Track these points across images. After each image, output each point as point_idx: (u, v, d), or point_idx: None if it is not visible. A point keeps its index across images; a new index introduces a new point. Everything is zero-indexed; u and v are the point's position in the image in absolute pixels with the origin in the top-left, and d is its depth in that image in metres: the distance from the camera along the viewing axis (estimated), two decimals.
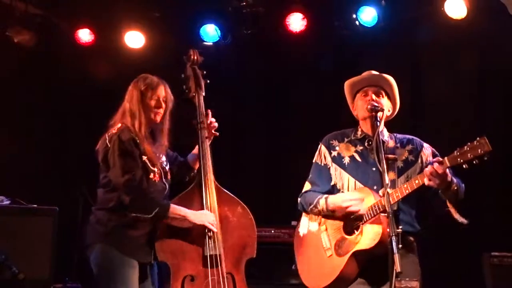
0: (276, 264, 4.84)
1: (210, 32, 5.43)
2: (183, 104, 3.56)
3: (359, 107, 3.31)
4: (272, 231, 4.92)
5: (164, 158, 3.46)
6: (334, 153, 3.30)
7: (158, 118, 3.39)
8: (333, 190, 3.28)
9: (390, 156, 3.10)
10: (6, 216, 4.65)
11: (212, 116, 3.54)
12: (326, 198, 3.21)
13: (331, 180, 3.28)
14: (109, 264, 3.22)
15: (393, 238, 2.70)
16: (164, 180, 3.39)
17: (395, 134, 3.33)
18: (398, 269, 2.63)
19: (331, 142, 3.34)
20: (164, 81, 3.46)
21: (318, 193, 3.27)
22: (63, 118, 5.88)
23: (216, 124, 3.51)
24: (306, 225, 3.33)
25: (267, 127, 5.81)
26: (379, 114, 3.11)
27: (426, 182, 2.94)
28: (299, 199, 3.37)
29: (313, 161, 3.38)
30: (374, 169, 3.16)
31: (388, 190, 2.89)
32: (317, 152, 3.38)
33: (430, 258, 3.43)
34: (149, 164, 3.29)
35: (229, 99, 5.69)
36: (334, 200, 3.17)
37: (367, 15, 5.13)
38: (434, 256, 4.65)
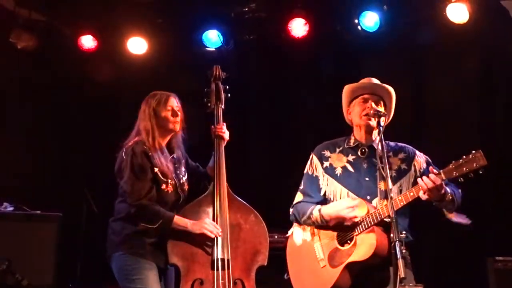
0: (278, 269, 4.83)
1: (212, 38, 5.44)
2: (207, 117, 3.70)
3: (355, 113, 3.30)
4: (276, 237, 4.91)
5: (183, 169, 3.57)
6: (326, 164, 3.30)
7: (178, 127, 3.53)
8: (325, 200, 3.29)
9: (382, 165, 3.06)
10: (10, 222, 4.67)
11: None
12: (319, 210, 3.20)
13: (322, 191, 3.29)
14: (127, 269, 3.33)
15: (397, 243, 2.70)
16: (179, 190, 3.48)
17: (387, 142, 3.30)
18: (402, 275, 2.64)
19: (323, 152, 3.35)
20: (173, 93, 3.59)
21: (311, 204, 3.27)
22: (67, 124, 5.90)
23: (222, 132, 3.61)
24: (299, 235, 3.34)
25: (270, 132, 5.82)
26: (382, 119, 3.11)
27: (422, 195, 2.94)
28: (291, 209, 3.38)
29: (305, 171, 3.39)
30: (367, 178, 3.17)
31: (393, 195, 2.90)
32: (309, 163, 3.39)
33: (435, 263, 3.43)
34: (160, 176, 3.39)
35: (232, 104, 5.69)
36: (329, 211, 3.16)
37: (369, 20, 5.14)
38: (439, 261, 4.65)
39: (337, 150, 3.32)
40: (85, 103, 5.85)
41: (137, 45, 5.58)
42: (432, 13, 4.99)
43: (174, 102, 3.53)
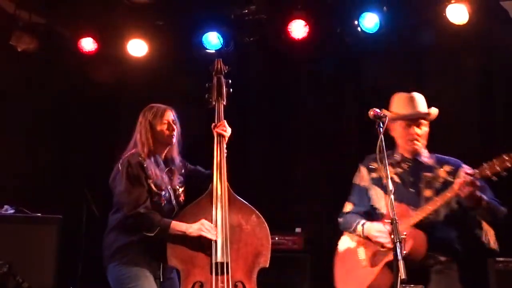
0: (280, 272, 4.82)
1: (212, 40, 5.44)
2: (209, 114, 3.63)
3: (398, 134, 3.41)
4: (276, 238, 4.91)
5: (178, 181, 3.55)
6: (374, 175, 3.43)
7: (173, 140, 3.52)
8: (372, 210, 3.40)
9: (427, 174, 3.28)
10: (11, 224, 4.67)
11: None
12: (363, 225, 3.34)
13: (370, 201, 3.41)
14: (122, 279, 3.34)
15: (397, 244, 2.73)
16: (173, 202, 3.48)
17: (435, 154, 3.43)
18: (403, 276, 2.66)
19: (371, 164, 3.46)
20: (169, 107, 3.58)
21: (357, 216, 3.41)
22: (67, 127, 5.90)
23: (223, 131, 3.54)
24: (346, 242, 3.46)
25: (270, 134, 5.82)
26: (382, 120, 3.13)
27: (456, 187, 3.08)
28: (339, 219, 3.50)
29: (353, 182, 3.52)
30: (411, 189, 3.31)
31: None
32: (357, 173, 3.51)
33: None
34: (154, 188, 3.39)
35: (232, 106, 5.70)
36: (368, 229, 3.31)
37: (369, 22, 5.14)
38: None
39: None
40: (85, 104, 5.86)
41: (137, 48, 5.58)
42: (432, 14, 4.99)
43: (170, 116, 3.53)
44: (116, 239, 3.39)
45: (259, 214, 3.45)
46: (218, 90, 3.61)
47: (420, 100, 3.41)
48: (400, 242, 2.73)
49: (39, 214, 4.78)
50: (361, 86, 5.56)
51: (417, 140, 3.32)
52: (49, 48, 5.63)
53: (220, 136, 3.52)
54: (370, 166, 3.44)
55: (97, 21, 5.59)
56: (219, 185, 3.41)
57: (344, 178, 5.46)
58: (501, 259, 4.29)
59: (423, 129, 3.35)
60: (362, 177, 3.46)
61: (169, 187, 3.47)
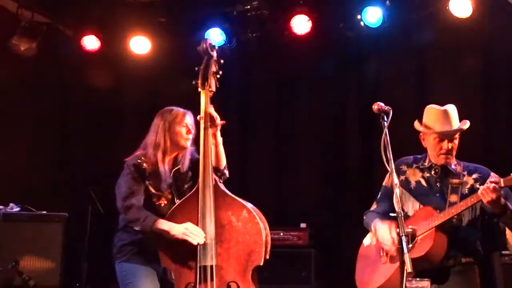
0: (285, 267, 4.83)
1: (215, 36, 5.43)
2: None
3: (430, 147, 3.42)
4: (281, 234, 4.91)
5: (188, 178, 3.49)
6: (402, 177, 3.46)
7: (189, 144, 3.45)
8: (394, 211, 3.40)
9: (454, 180, 3.31)
10: (16, 222, 4.68)
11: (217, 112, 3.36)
12: (374, 226, 3.35)
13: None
14: (123, 275, 3.37)
15: (403, 238, 2.73)
16: (177, 202, 3.40)
17: (463, 162, 3.45)
18: (409, 270, 2.66)
19: (401, 167, 3.48)
20: (188, 111, 3.49)
21: (376, 215, 3.43)
22: (70, 125, 5.91)
23: (218, 120, 3.35)
24: (370, 237, 3.50)
25: (273, 130, 5.82)
26: (386, 114, 3.13)
27: (480, 193, 3.10)
28: (364, 217, 3.55)
29: (383, 184, 3.54)
30: (437, 195, 3.35)
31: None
32: (387, 175, 3.47)
33: None
34: (152, 190, 3.37)
35: (235, 102, 5.71)
36: (377, 232, 3.34)
37: (372, 16, 5.13)
38: None
39: (414, 166, 3.48)
40: (89, 102, 5.86)
41: (140, 45, 5.59)
42: (434, 7, 4.98)
43: (189, 120, 3.45)
44: (121, 238, 3.41)
45: (251, 208, 3.21)
46: (203, 74, 3.31)
47: (454, 115, 3.42)
48: (406, 236, 2.73)
49: (45, 212, 4.80)
50: (364, 80, 5.55)
51: (449, 154, 3.35)
52: (52, 47, 5.63)
53: (206, 128, 3.30)
54: (400, 169, 3.46)
55: (100, 19, 5.60)
56: (203, 181, 3.22)
57: (346, 174, 5.51)
58: (507, 252, 4.28)
59: (455, 142, 3.38)
60: (391, 179, 3.46)
61: (174, 188, 3.43)
